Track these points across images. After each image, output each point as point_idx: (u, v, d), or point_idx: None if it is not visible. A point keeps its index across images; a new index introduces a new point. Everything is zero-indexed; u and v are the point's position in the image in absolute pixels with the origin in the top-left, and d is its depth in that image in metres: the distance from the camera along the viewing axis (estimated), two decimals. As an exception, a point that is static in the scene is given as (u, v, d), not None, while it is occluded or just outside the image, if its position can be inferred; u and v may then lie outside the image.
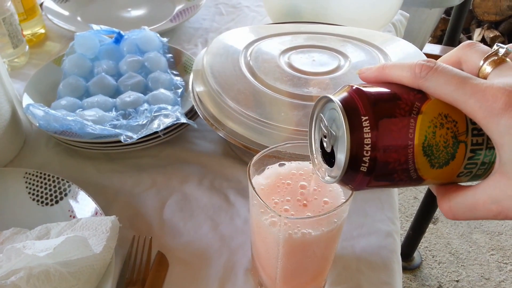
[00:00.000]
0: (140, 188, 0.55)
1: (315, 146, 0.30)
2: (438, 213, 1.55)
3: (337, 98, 0.26)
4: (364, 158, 0.24)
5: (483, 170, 0.27)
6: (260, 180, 0.38)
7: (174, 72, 0.68)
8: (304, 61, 0.57)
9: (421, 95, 0.26)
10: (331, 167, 0.28)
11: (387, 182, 0.26)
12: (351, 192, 0.34)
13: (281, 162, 0.39)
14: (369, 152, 0.24)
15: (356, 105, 0.25)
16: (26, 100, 0.59)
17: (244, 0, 0.95)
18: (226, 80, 0.54)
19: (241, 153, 0.58)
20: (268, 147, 0.38)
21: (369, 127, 0.24)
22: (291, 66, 0.56)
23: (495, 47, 0.27)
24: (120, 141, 0.53)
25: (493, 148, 0.26)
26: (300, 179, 0.38)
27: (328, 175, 0.28)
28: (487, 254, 1.43)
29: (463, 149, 0.26)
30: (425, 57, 0.59)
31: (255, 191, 0.34)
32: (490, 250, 1.44)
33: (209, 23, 0.88)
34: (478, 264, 1.40)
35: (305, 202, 0.36)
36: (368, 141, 0.24)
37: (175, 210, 0.53)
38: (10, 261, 0.39)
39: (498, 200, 0.24)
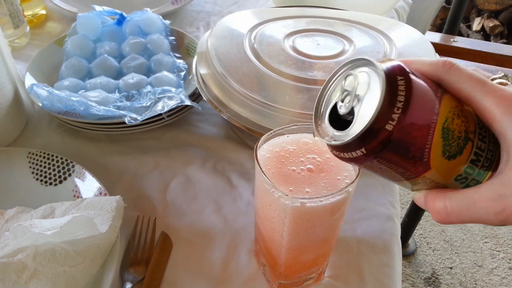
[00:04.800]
0: (143, 169, 0.55)
1: (323, 109, 0.29)
2: (433, 201, 1.57)
3: (377, 62, 0.26)
4: (390, 121, 0.24)
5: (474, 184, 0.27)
6: (263, 153, 0.38)
7: (177, 55, 0.67)
8: (309, 45, 0.57)
9: (441, 88, 0.27)
10: (340, 130, 0.27)
11: (398, 157, 0.25)
12: (358, 168, 0.35)
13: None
14: (395, 119, 0.24)
15: (394, 72, 0.25)
16: (29, 80, 0.59)
17: (246, -17, 0.94)
18: (231, 62, 0.54)
19: (244, 137, 0.58)
20: (272, 130, 0.38)
21: (403, 92, 0.24)
22: (295, 50, 0.56)
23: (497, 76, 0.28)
24: (123, 123, 0.53)
25: (487, 169, 0.27)
26: (303, 152, 0.38)
27: (336, 139, 0.27)
28: (481, 242, 1.45)
29: (470, 148, 0.26)
30: (429, 43, 0.59)
31: (262, 170, 0.34)
32: (483, 238, 1.46)
33: (211, 6, 0.87)
34: (471, 251, 1.42)
35: (311, 175, 0.36)
36: (400, 105, 0.24)
37: (178, 192, 0.53)
38: (16, 239, 0.40)
39: (504, 196, 0.25)
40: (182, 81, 0.62)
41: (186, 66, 0.65)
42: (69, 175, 0.50)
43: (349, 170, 0.37)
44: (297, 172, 0.37)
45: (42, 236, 0.39)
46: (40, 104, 0.54)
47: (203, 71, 0.55)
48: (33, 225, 0.39)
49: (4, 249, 0.39)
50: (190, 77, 0.64)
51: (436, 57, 0.57)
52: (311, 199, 0.35)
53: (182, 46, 0.69)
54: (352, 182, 0.35)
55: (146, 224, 0.48)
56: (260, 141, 0.38)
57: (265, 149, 0.38)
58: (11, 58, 0.58)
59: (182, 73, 0.63)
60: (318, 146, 0.39)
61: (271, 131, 0.38)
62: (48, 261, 0.39)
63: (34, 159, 0.51)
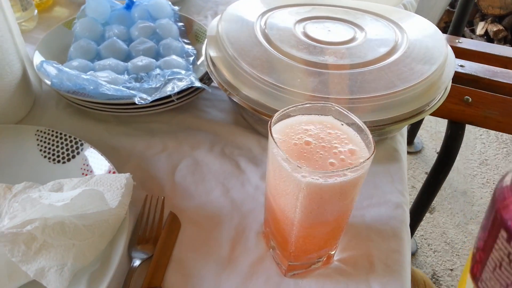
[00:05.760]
0: (152, 151, 0.55)
1: None
2: (435, 202, 1.56)
3: None
4: None
5: None
6: (278, 128, 0.38)
7: (185, 40, 0.67)
8: (320, 31, 0.57)
9: None
10: None
11: None
12: (373, 147, 0.35)
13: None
14: None
15: None
16: (38, 59, 0.59)
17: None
18: (242, 46, 0.54)
19: (253, 122, 0.57)
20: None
21: None
22: (306, 35, 0.56)
23: None
24: (131, 104, 0.53)
25: None
26: (317, 130, 0.38)
27: None
28: (482, 244, 1.44)
29: None
30: (441, 34, 0.58)
31: (276, 144, 0.34)
32: (484, 241, 1.45)
33: (219, -5, 0.87)
34: (472, 253, 1.42)
35: (326, 152, 0.36)
36: None
37: (186, 174, 0.53)
38: (25, 211, 0.39)
39: None
40: (191, 66, 0.62)
41: (194, 51, 0.65)
42: (78, 153, 0.50)
43: (363, 149, 0.37)
44: (312, 149, 0.36)
45: (51, 208, 0.38)
46: (49, 82, 0.54)
47: (213, 54, 0.55)
48: (43, 196, 0.39)
49: (13, 220, 0.38)
50: (198, 63, 0.64)
51: (447, 48, 0.56)
52: (326, 174, 0.34)
53: (191, 32, 0.69)
54: (367, 159, 0.35)
55: (155, 203, 0.48)
56: (274, 117, 0.37)
57: (280, 125, 0.38)
58: (21, 37, 0.58)
59: (191, 58, 0.63)
60: (333, 126, 0.39)
61: (286, 108, 0.38)
62: (57, 234, 0.38)
63: (42, 136, 0.51)
